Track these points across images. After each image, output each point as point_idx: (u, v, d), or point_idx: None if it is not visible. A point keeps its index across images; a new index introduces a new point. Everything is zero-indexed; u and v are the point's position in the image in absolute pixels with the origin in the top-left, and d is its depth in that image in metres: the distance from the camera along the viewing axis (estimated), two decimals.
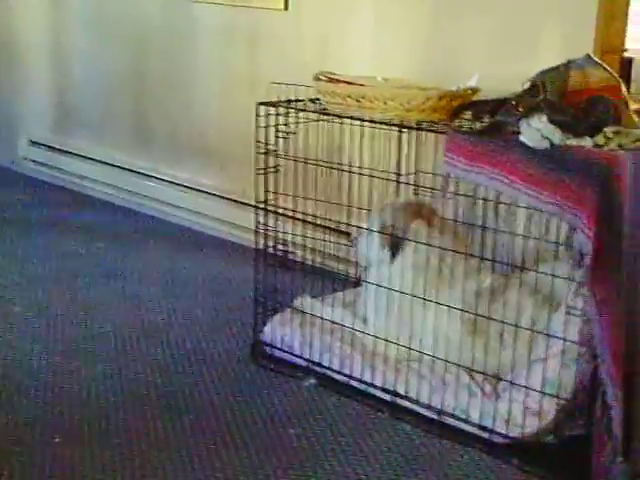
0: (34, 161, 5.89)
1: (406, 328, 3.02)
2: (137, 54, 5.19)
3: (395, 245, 3.09)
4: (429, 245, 2.99)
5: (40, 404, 2.97)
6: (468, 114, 2.90)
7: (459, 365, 2.91)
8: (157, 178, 5.08)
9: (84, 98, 5.60)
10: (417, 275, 3.03)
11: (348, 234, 3.51)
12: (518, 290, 2.84)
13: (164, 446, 2.74)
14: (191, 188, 4.89)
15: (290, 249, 3.43)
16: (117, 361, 3.29)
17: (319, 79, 3.08)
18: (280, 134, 3.15)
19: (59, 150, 5.70)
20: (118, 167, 5.29)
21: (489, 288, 2.94)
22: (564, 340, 2.61)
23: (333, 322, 3.21)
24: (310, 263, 3.74)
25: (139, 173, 5.17)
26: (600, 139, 2.52)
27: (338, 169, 3.24)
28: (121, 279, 4.14)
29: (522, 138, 2.57)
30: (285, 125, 3.15)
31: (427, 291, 2.98)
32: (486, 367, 2.88)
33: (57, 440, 2.76)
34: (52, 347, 3.39)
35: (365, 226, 3.19)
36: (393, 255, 3.09)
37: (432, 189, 3.27)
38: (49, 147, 5.77)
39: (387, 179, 3.28)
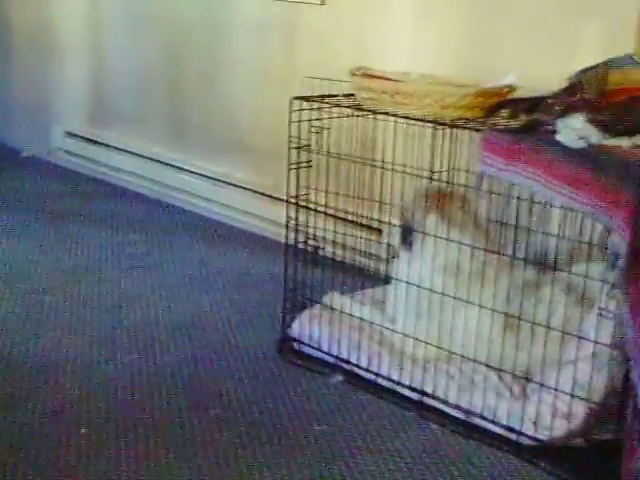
0: (69, 152, 5.92)
1: (435, 327, 3.00)
2: (173, 47, 5.20)
3: (406, 233, 3.06)
4: (445, 239, 2.97)
5: (67, 395, 2.97)
6: (505, 112, 2.86)
7: (488, 365, 2.88)
8: (190, 171, 5.09)
9: (120, 90, 5.63)
10: (448, 274, 3.01)
11: (379, 231, 3.48)
12: (552, 287, 2.80)
13: (190, 440, 2.73)
14: (224, 182, 4.90)
15: (321, 245, 3.41)
16: (145, 353, 3.30)
17: (354, 74, 3.06)
18: (313, 129, 3.13)
19: (94, 141, 5.72)
20: (152, 159, 5.31)
21: (522, 285, 2.89)
22: (595, 342, 2.58)
23: (362, 319, 3.19)
24: (340, 259, 3.72)
25: (173, 166, 5.18)
26: (639, 139, 2.49)
27: (371, 165, 3.22)
28: (151, 271, 4.15)
29: (559, 137, 2.53)
30: (319, 120, 3.13)
31: (457, 289, 2.95)
32: (516, 365, 2.85)
33: (83, 431, 2.76)
34: (81, 338, 3.40)
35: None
36: (408, 245, 3.07)
37: (466, 187, 3.24)
38: (84, 138, 5.80)
39: (420, 176, 3.24)
